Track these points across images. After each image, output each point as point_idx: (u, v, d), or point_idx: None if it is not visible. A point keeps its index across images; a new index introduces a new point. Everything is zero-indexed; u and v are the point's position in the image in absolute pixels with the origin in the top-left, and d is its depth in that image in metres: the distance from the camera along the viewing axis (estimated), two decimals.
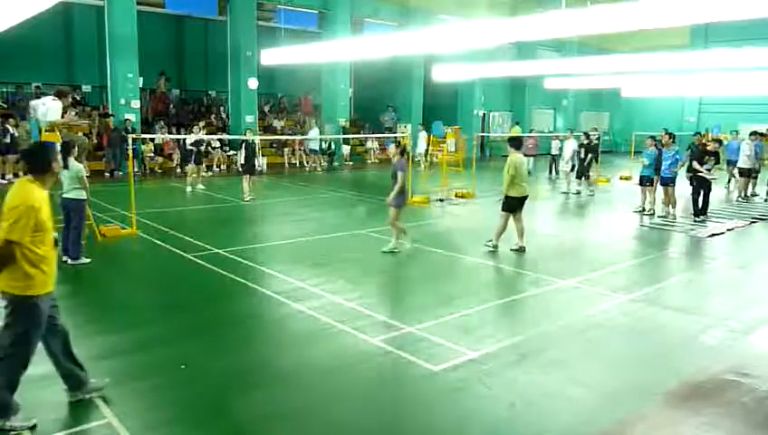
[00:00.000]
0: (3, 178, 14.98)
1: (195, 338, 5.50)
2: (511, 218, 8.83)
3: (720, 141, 13.87)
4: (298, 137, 20.91)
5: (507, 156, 9.05)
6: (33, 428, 3.78)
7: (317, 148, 20.52)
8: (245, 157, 13.24)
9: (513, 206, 8.78)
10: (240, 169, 13.64)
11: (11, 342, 3.68)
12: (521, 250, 8.77)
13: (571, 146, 15.82)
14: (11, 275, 3.62)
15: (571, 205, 14.20)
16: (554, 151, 18.83)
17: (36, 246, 3.67)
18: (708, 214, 12.06)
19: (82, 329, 5.61)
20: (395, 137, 22.93)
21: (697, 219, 11.71)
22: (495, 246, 8.84)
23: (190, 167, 14.75)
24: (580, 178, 15.50)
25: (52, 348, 4.01)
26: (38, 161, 3.81)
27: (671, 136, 12.32)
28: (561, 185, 16.48)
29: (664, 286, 7.51)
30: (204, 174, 15.74)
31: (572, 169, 15.74)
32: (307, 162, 20.83)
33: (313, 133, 20.07)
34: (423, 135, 20.96)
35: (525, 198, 8.85)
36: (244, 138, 13.71)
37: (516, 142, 9.09)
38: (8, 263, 3.57)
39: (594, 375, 4.85)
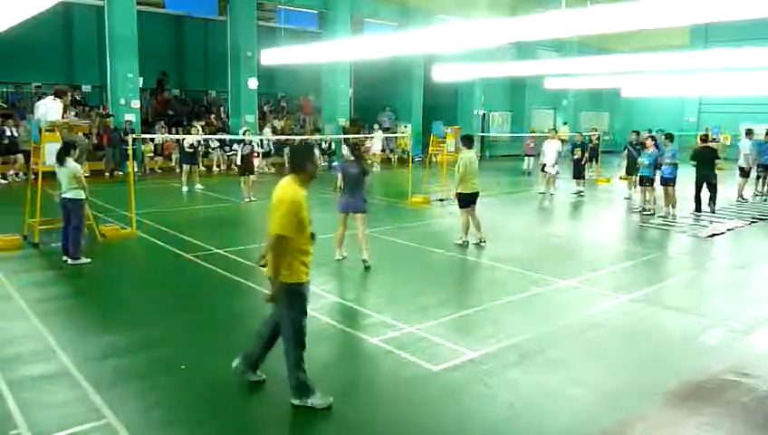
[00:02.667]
0: (4, 178, 14.98)
1: (195, 338, 5.51)
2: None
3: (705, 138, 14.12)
4: (298, 137, 20.90)
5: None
6: (329, 407, 4.13)
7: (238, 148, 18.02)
8: (242, 157, 13.16)
9: (467, 202, 9.11)
10: (238, 170, 13.51)
11: (288, 326, 4.10)
12: (481, 243, 9.12)
13: (553, 147, 15.00)
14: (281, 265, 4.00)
15: (568, 205, 14.20)
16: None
17: (299, 239, 4.00)
18: (710, 211, 12.40)
19: (83, 329, 5.63)
20: (395, 137, 23.06)
21: (698, 214, 12.03)
22: (466, 242, 9.15)
23: (185, 167, 14.62)
24: (577, 179, 15.38)
25: (262, 330, 4.39)
26: (295, 161, 4.20)
27: (669, 136, 12.35)
28: (559, 185, 16.39)
29: (664, 286, 7.51)
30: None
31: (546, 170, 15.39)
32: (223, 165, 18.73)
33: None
34: (379, 135, 20.69)
35: (477, 194, 9.16)
36: (242, 137, 13.70)
37: (467, 140, 9.35)
38: (283, 254, 3.94)
39: (594, 375, 4.85)
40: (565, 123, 26.11)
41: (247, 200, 12.96)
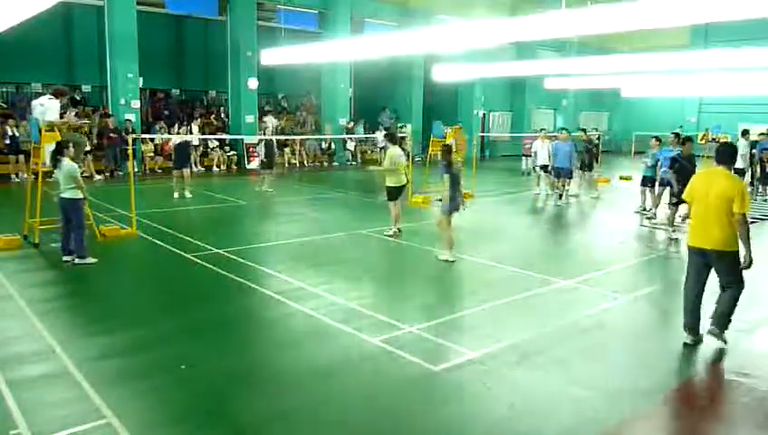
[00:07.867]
0: (17, 176, 15.04)
1: (195, 338, 5.50)
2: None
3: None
4: (298, 137, 20.94)
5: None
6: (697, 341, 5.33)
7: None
8: (265, 154, 14.16)
9: (394, 195, 9.71)
10: (260, 167, 14.74)
11: (741, 280, 5.41)
12: (398, 231, 9.74)
13: (546, 146, 15.07)
14: (731, 236, 5.17)
15: (567, 206, 14.19)
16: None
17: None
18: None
19: (82, 329, 5.63)
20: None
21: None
22: (397, 231, 9.74)
23: (175, 171, 13.99)
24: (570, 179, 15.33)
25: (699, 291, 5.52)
26: (731, 157, 5.34)
27: (677, 136, 12.36)
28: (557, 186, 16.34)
29: (664, 286, 7.51)
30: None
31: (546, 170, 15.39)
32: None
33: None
34: (268, 125, 20.06)
35: (404, 186, 9.92)
36: (260, 137, 14.40)
37: (392, 138, 10.20)
38: (748, 229, 5.12)
39: (594, 375, 4.84)
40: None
41: (267, 190, 13.90)
